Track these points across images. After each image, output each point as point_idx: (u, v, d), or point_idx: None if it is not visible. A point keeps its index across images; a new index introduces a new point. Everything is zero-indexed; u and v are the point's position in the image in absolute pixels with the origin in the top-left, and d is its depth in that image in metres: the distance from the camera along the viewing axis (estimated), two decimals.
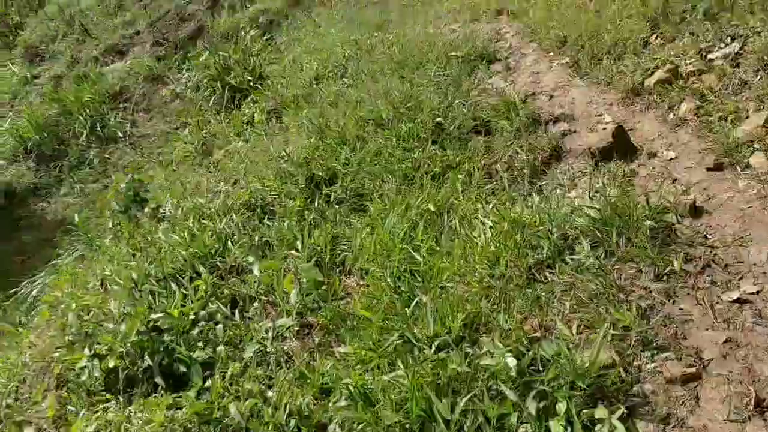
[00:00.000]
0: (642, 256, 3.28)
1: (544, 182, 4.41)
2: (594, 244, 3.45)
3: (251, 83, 9.30)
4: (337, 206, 4.80)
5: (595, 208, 3.57)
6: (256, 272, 4.12)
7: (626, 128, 4.63)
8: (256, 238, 4.55)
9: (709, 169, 3.97)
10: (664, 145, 4.39)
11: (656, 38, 5.44)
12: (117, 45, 20.89)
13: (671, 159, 4.22)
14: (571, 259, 3.41)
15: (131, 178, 6.07)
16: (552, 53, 6.37)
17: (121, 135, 16.75)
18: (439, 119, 5.28)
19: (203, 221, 4.98)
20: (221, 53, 10.09)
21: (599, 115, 5.01)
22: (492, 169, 4.74)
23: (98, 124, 16.85)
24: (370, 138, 5.49)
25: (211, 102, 9.83)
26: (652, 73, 5.05)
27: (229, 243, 4.58)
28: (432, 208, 4.18)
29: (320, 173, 5.15)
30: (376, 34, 9.42)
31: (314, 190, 5.04)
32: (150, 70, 17.75)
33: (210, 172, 6.92)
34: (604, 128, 4.56)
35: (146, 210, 5.95)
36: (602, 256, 3.38)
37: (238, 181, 5.95)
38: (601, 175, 4.19)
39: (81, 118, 16.76)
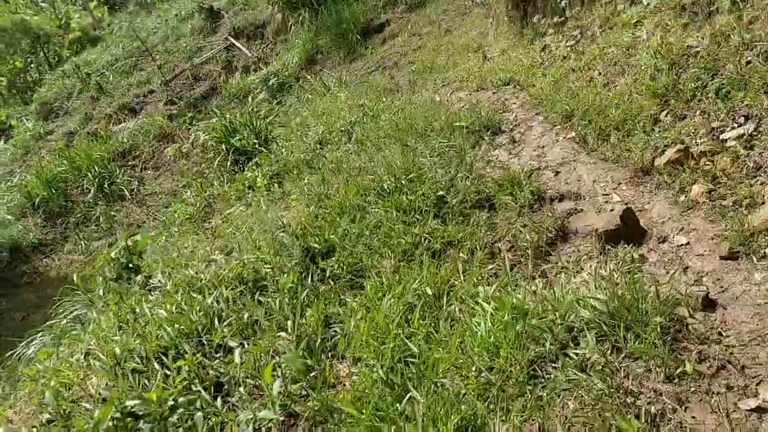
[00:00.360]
0: (651, 354, 3.04)
1: (548, 265, 4.20)
2: (600, 337, 3.23)
3: (256, 146, 9.26)
4: (332, 282, 4.60)
5: (602, 299, 3.35)
6: (237, 359, 3.89)
7: (635, 209, 4.45)
8: (245, 316, 4.34)
9: (722, 258, 3.76)
10: (674, 230, 4.19)
11: (666, 115, 5.29)
12: (130, 103, 21.21)
13: (682, 245, 4.02)
14: (575, 354, 3.18)
15: (124, 246, 5.92)
16: (558, 126, 6.25)
17: (128, 193, 16.81)
18: (441, 192, 5.12)
19: (193, 294, 4.78)
20: (227, 115, 10.08)
21: (607, 195, 4.84)
22: (495, 248, 4.55)
23: (106, 182, 16.93)
24: (371, 208, 5.34)
25: (215, 164, 9.77)
26: (663, 152, 4.90)
27: (217, 321, 4.36)
28: (430, 292, 3.97)
29: (317, 245, 4.97)
30: (383, 99, 9.41)
31: (309, 263, 4.85)
32: (160, 129, 17.95)
33: (207, 238, 6.76)
34: (612, 210, 4.38)
35: (139, 278, 5.78)
36: (609, 352, 3.15)
37: (234, 250, 5.78)
38: (608, 259, 3.98)
39: (89, 175, 16.87)
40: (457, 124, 6.61)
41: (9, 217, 16.57)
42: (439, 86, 9.75)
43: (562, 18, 8.00)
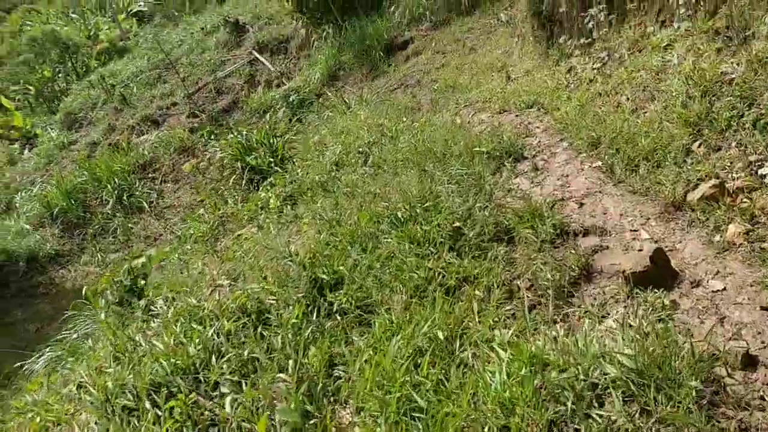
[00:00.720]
0: (685, 421, 2.72)
1: (571, 308, 3.89)
2: (627, 398, 2.91)
3: (272, 165, 9.06)
4: (339, 317, 4.32)
5: (630, 354, 3.03)
6: (228, 408, 3.62)
7: (665, 249, 4.13)
8: (245, 353, 4.08)
9: (763, 309, 3.43)
10: (709, 273, 3.87)
11: (699, 146, 4.97)
12: (153, 115, 21.24)
13: (718, 291, 3.69)
14: (599, 415, 2.87)
15: (129, 267, 5.71)
16: (584, 154, 5.95)
17: (147, 205, 16.73)
18: (457, 224, 4.84)
19: (193, 325, 4.54)
20: (244, 132, 9.90)
21: (635, 231, 4.51)
22: (513, 286, 4.25)
23: (125, 194, 16.87)
24: (383, 238, 5.08)
25: (230, 182, 9.58)
26: (696, 186, 4.57)
27: (215, 358, 4.10)
28: (441, 336, 3.68)
29: (325, 276, 4.70)
30: (404, 119, 9.18)
31: (317, 296, 4.58)
32: (181, 142, 17.89)
33: (216, 260, 6.54)
34: (641, 249, 4.07)
35: (142, 302, 5.56)
36: (636, 415, 2.84)
37: (240, 276, 5.55)
38: (636, 305, 3.66)
39: (109, 186, 16.84)
40: (478, 149, 6.33)
41: (27, 226, 16.55)
42: (461, 107, 9.49)
43: (589, 39, 7.71)
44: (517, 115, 7.86)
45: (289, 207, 7.14)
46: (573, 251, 4.31)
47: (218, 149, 11.07)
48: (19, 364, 8.69)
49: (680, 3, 6.01)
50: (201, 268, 6.37)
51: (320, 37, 17.96)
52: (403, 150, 7.13)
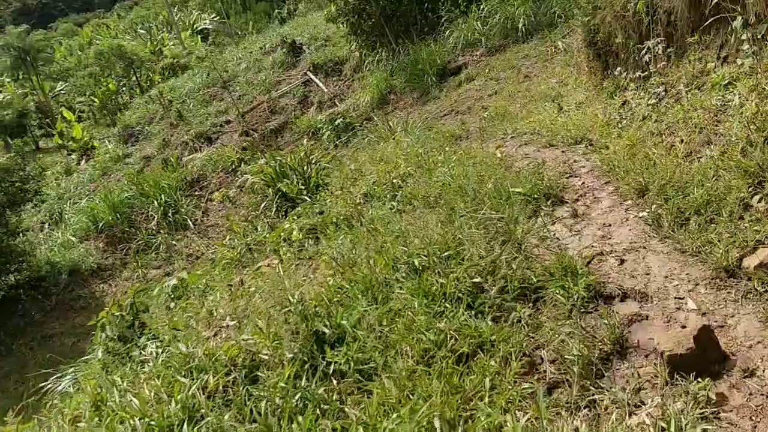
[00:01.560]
0: None
1: (598, 391, 3.32)
2: None
3: (303, 192, 8.70)
4: (335, 381, 3.86)
5: None
6: None
7: (714, 323, 3.54)
8: (226, 417, 3.66)
9: None
10: (766, 359, 3.26)
11: (760, 201, 4.33)
12: (207, 132, 21.37)
13: None
14: None
15: (132, 302, 5.40)
16: (629, 201, 5.36)
17: (191, 223, 16.68)
18: (477, 279, 4.33)
19: (179, 377, 4.14)
20: (278, 158, 9.60)
21: (680, 298, 3.92)
22: (535, 357, 3.72)
23: (171, 210, 16.89)
24: (397, 287, 4.61)
25: (261, 208, 9.28)
26: (753, 249, 3.95)
27: (188, 426, 3.68)
28: (437, 425, 3.17)
29: (326, 329, 4.26)
30: (447, 148, 8.73)
31: (315, 352, 4.13)
32: (229, 160, 17.84)
33: (228, 296, 6.19)
34: (684, 326, 3.49)
35: (143, 339, 5.23)
36: None
37: (246, 317, 5.16)
38: (675, 396, 3.09)
39: (155, 202, 16.88)
40: (514, 189, 5.80)
41: (73, 238, 16.72)
42: (507, 137, 9.00)
43: (646, 72, 7.10)
44: (563, 151, 7.31)
45: (311, 241, 6.75)
46: (607, 322, 3.74)
47: (249, 174, 10.80)
48: (44, 383, 8.58)
49: (744, 38, 5.37)
50: (215, 304, 6.02)
51: (373, 60, 17.70)
52: (436, 185, 6.67)
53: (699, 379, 3.15)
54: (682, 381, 3.19)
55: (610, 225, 5.09)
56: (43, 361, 13.20)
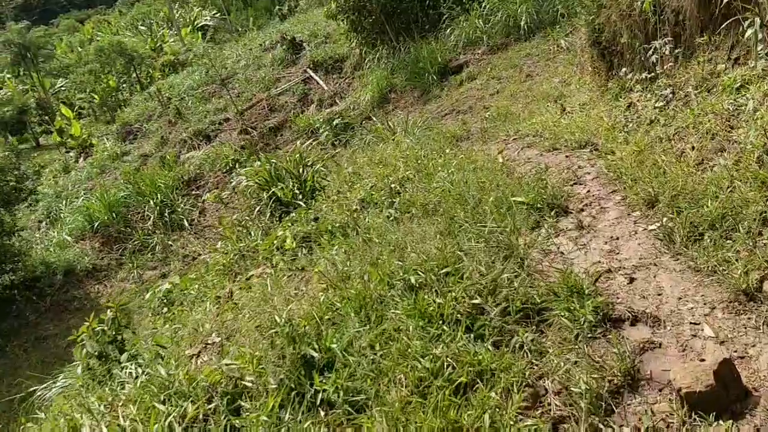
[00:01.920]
0: None
1: (608, 431, 3.04)
2: None
3: (298, 197, 8.41)
4: (323, 412, 3.58)
5: None
6: None
7: (734, 354, 3.26)
8: None
9: None
10: None
11: None
12: (205, 129, 21.07)
13: None
14: None
15: (114, 317, 5.12)
16: (638, 212, 5.06)
17: (188, 223, 16.40)
18: (477, 300, 4.04)
19: (156, 404, 3.87)
20: (274, 160, 9.31)
21: (695, 324, 3.63)
22: (539, 388, 3.44)
23: (167, 210, 16.60)
24: (392, 305, 4.32)
25: (254, 212, 8.99)
26: None
27: None
28: None
29: (315, 353, 3.98)
30: (447, 150, 8.45)
31: (302, 379, 3.85)
32: (226, 159, 17.55)
33: (215, 309, 5.91)
34: (703, 358, 3.20)
35: (124, 356, 4.96)
36: None
37: (234, 334, 4.89)
38: None
39: (152, 202, 16.60)
40: (516, 198, 5.52)
41: (68, 238, 16.44)
42: (509, 140, 8.71)
43: (652, 74, 6.80)
44: (567, 156, 7.01)
45: (304, 250, 6.47)
46: (617, 349, 3.46)
47: (243, 177, 10.50)
48: (33, 388, 8.35)
49: (758, 39, 5.07)
50: (201, 318, 5.75)
51: (374, 58, 17.39)
52: (435, 191, 6.38)
53: (720, 421, 2.87)
54: (701, 421, 2.91)
55: (617, 238, 4.80)
56: (36, 363, 13.03)
